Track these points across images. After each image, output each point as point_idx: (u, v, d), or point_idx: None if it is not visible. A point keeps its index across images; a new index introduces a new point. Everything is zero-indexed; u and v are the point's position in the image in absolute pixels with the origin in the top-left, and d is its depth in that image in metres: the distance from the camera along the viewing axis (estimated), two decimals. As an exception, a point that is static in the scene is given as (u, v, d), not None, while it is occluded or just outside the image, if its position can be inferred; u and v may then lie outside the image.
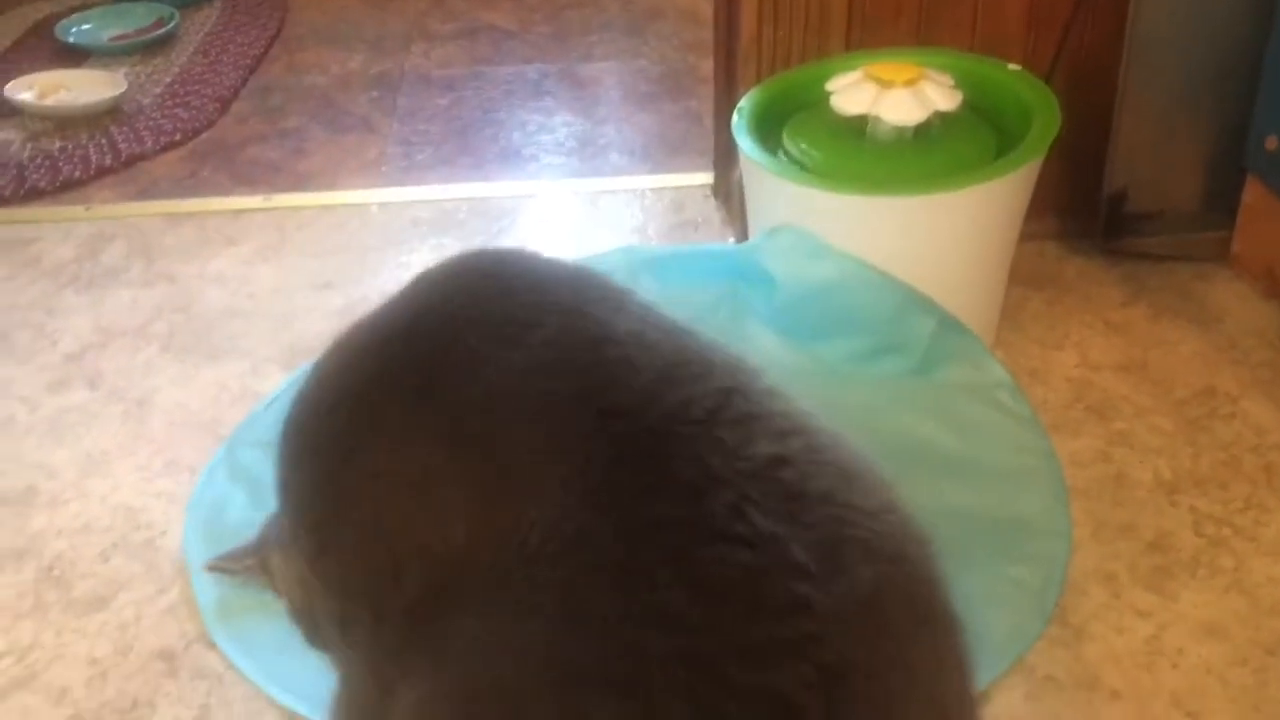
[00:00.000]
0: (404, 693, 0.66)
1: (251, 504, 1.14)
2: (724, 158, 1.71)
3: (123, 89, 2.07)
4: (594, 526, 0.62)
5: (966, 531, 1.07)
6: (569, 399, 0.66)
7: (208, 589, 1.10)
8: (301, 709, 1.00)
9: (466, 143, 1.97)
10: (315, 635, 0.77)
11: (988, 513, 1.12)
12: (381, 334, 0.75)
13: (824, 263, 1.26)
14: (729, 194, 1.70)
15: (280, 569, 0.78)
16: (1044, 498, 1.14)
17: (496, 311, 0.72)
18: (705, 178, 1.78)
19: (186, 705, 1.03)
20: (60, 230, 1.72)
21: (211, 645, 1.08)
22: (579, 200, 1.79)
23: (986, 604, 1.04)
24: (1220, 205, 1.48)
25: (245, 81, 2.18)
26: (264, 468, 1.13)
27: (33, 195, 1.82)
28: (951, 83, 1.31)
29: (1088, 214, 1.51)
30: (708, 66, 2.08)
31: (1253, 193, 1.43)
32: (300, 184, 1.85)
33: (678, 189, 1.79)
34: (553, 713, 0.59)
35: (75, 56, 2.24)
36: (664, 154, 1.92)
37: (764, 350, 1.26)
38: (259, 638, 1.04)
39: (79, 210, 1.78)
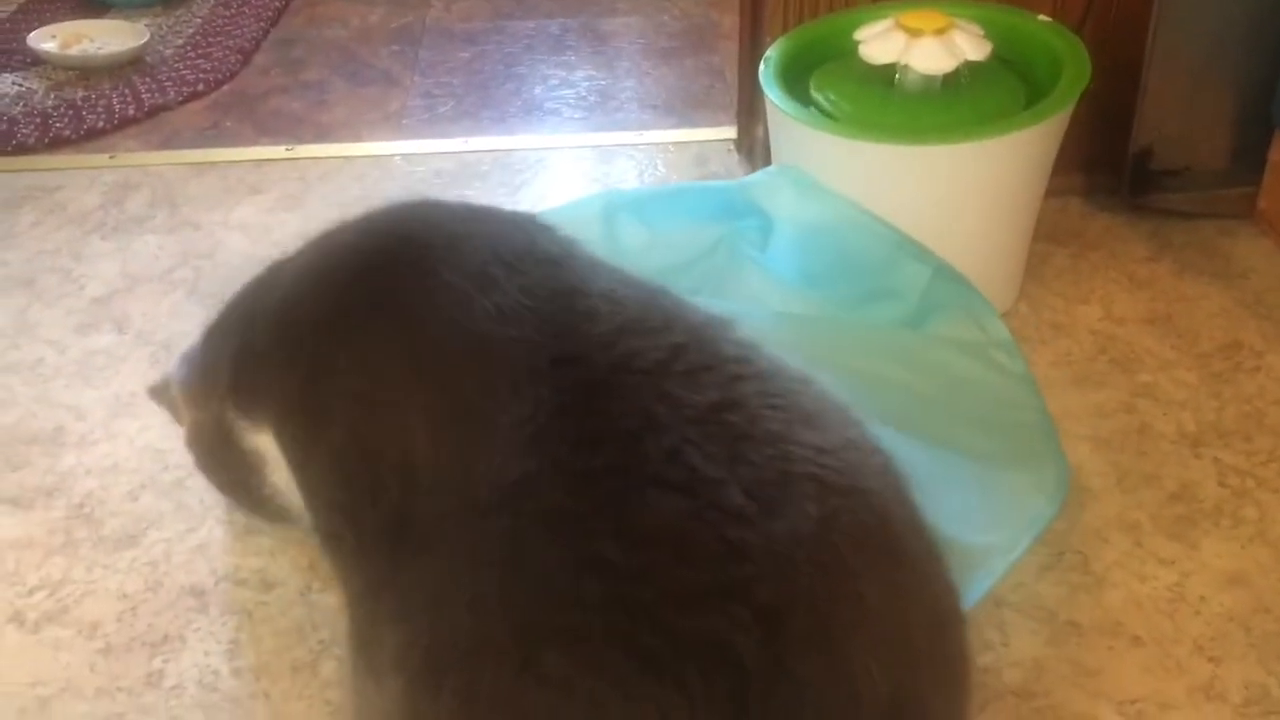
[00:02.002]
0: (388, 636, 0.67)
1: None
2: (747, 112, 1.70)
3: (145, 39, 2.07)
4: (535, 474, 0.63)
5: (954, 465, 1.08)
6: (529, 346, 0.67)
7: None
8: None
9: (488, 96, 1.97)
10: (214, 472, 0.85)
11: (977, 449, 1.11)
12: (365, 256, 0.76)
13: (819, 204, 1.26)
14: (752, 148, 1.69)
15: (182, 407, 0.89)
16: (1036, 444, 1.12)
17: (483, 250, 0.73)
18: (728, 132, 1.78)
19: (217, 640, 1.04)
20: (85, 178, 1.73)
21: (241, 582, 1.09)
22: (600, 154, 1.79)
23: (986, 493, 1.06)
24: (1247, 162, 1.48)
25: (266, 34, 2.18)
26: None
27: (57, 143, 1.82)
28: (981, 32, 1.30)
29: (1113, 170, 1.51)
30: (729, 22, 2.07)
31: (1279, 149, 1.42)
32: (322, 135, 1.85)
33: (700, 143, 1.79)
34: (509, 663, 0.60)
35: (97, 7, 2.24)
36: (686, 109, 1.91)
37: (758, 294, 1.26)
38: None
39: (103, 159, 1.78)
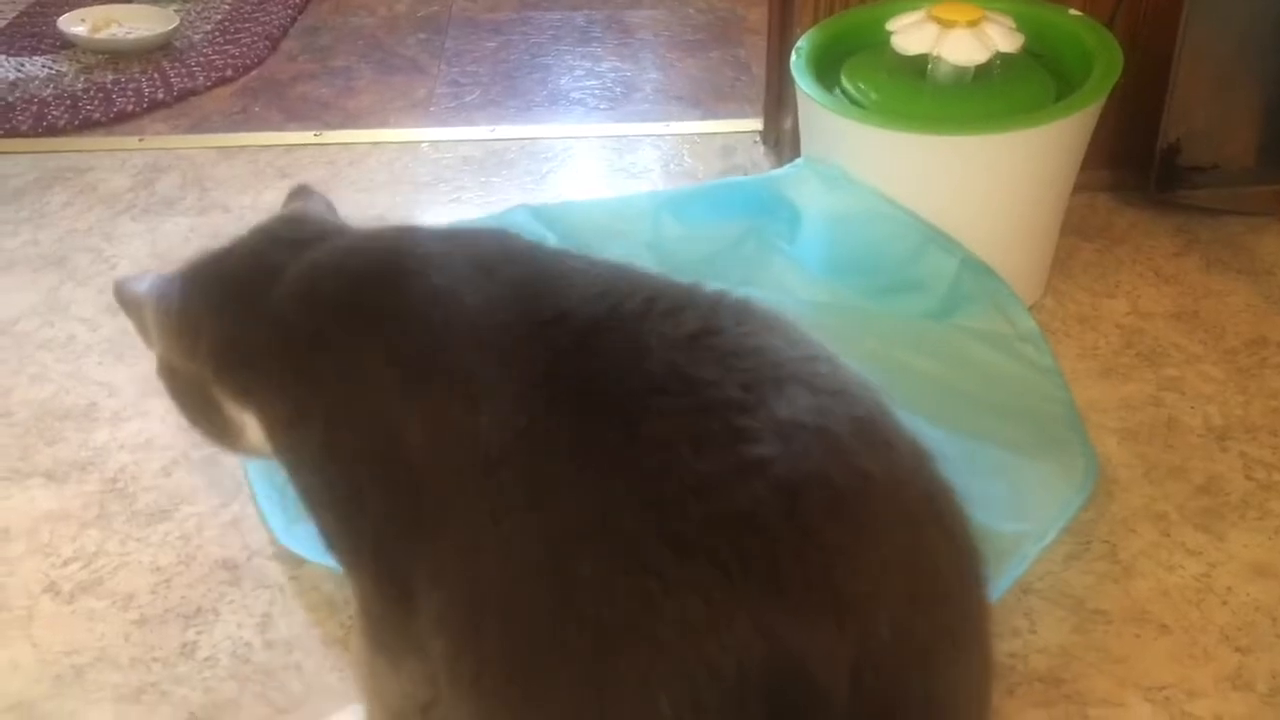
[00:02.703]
0: (422, 609, 0.70)
1: None
2: (775, 104, 1.71)
3: (174, 25, 2.08)
4: (542, 414, 0.66)
5: (983, 453, 1.09)
6: (517, 320, 0.71)
7: (272, 503, 1.13)
8: None
9: (514, 85, 1.98)
10: (185, 409, 0.89)
11: (1005, 438, 1.12)
12: (356, 272, 0.79)
13: (847, 195, 1.28)
14: (779, 140, 1.70)
15: (152, 335, 0.90)
16: (1063, 435, 1.14)
17: (463, 258, 0.77)
18: (754, 124, 1.78)
19: (249, 613, 1.05)
20: (115, 160, 1.74)
21: (274, 557, 1.10)
22: (626, 144, 1.80)
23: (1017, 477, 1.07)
24: (1274, 160, 1.48)
25: (294, 21, 2.19)
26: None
27: (87, 126, 1.83)
28: (1013, 25, 1.31)
29: (1140, 166, 1.51)
30: (755, 16, 2.08)
31: (1309, 146, 1.42)
32: (350, 121, 1.86)
33: (726, 135, 1.80)
34: (548, 590, 0.62)
35: (126, -8, 2.25)
36: (711, 101, 1.92)
37: (785, 283, 1.28)
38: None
39: (133, 141, 1.80)
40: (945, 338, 1.21)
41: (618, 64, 2.05)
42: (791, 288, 1.28)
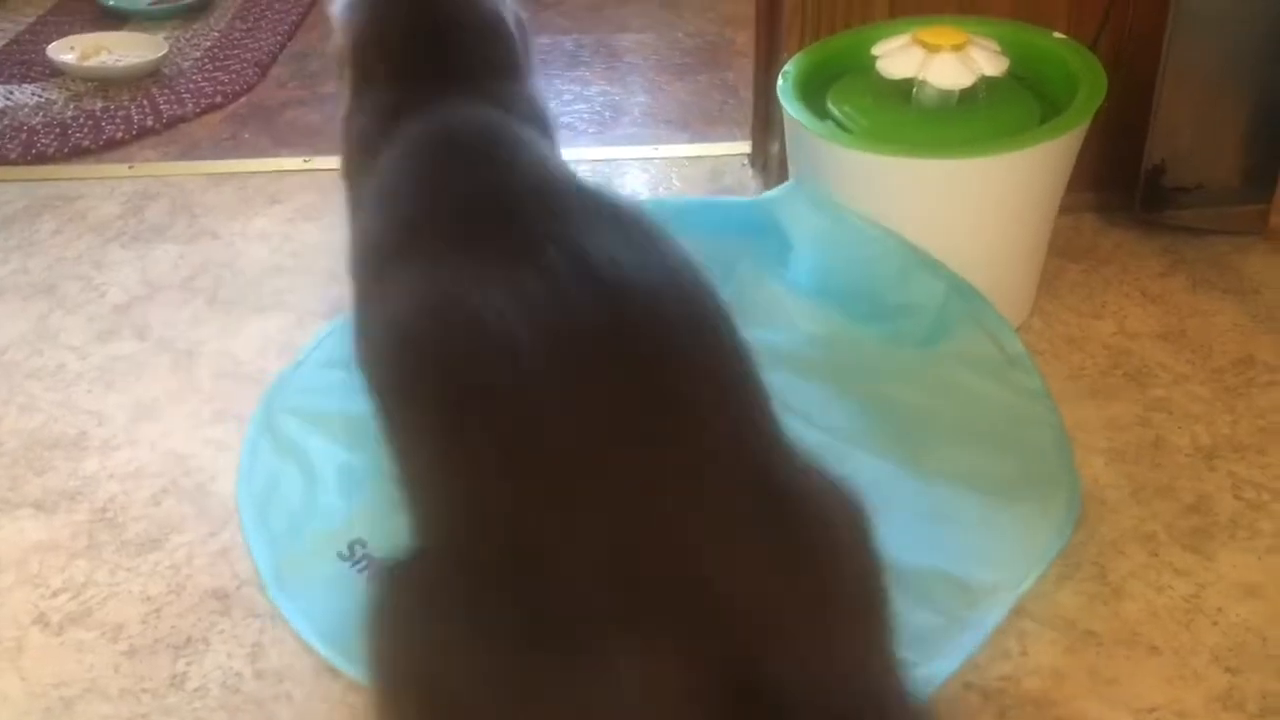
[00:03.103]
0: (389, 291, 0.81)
1: (305, 482, 1.17)
2: (762, 127, 1.72)
3: (163, 52, 2.09)
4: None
5: (961, 501, 1.11)
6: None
7: (264, 554, 1.12)
8: (345, 666, 1.01)
9: (504, 110, 1.98)
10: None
11: (988, 476, 1.13)
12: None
13: (834, 221, 1.28)
14: (766, 163, 1.71)
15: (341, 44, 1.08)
16: (1050, 465, 1.14)
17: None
18: (742, 147, 1.79)
19: (240, 643, 1.05)
20: (104, 187, 1.75)
21: (264, 586, 1.10)
22: (615, 168, 1.80)
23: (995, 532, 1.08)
24: (1259, 179, 1.49)
25: (283, 47, 2.20)
26: (308, 440, 1.17)
27: (76, 153, 1.84)
28: (998, 48, 1.31)
29: (1125, 187, 1.52)
30: (743, 39, 2.09)
31: (1293, 166, 1.43)
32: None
33: (715, 158, 1.80)
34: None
35: (116, 19, 2.27)
36: (700, 124, 1.93)
37: (781, 313, 1.29)
38: (312, 597, 1.07)
39: (122, 169, 1.80)
40: (933, 367, 1.22)
41: (606, 87, 2.06)
42: (786, 316, 1.30)
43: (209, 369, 1.37)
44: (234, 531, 1.16)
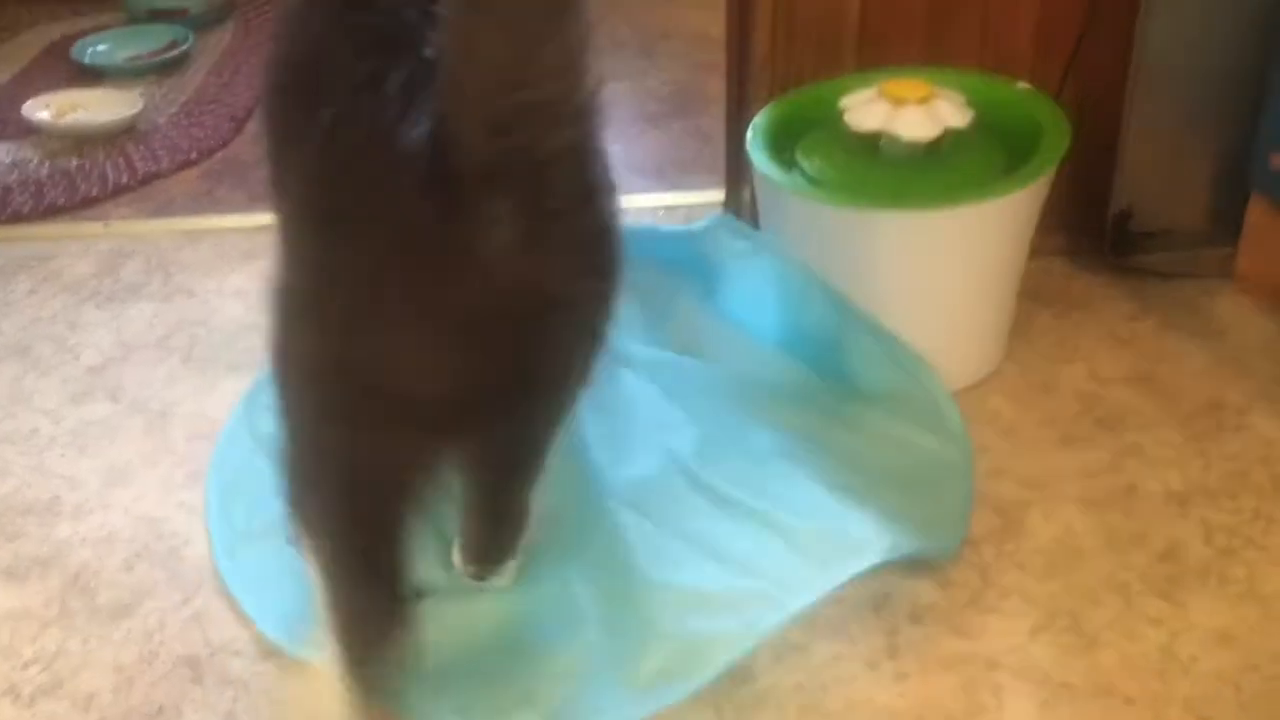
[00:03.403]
0: None
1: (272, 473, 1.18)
2: (735, 176, 1.73)
3: (139, 108, 2.09)
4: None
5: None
6: None
7: (220, 531, 1.19)
8: (285, 641, 1.08)
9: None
10: None
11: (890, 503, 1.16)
12: None
13: (760, 259, 1.34)
14: (740, 211, 1.72)
15: None
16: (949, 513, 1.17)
17: None
18: (716, 195, 1.80)
19: (212, 711, 1.04)
20: (79, 246, 1.75)
21: (237, 653, 1.09)
22: (591, 218, 1.81)
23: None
24: (1225, 223, 1.50)
25: (258, 101, 2.20)
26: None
27: (51, 212, 1.84)
28: (963, 100, 1.33)
29: (1095, 232, 1.53)
30: (717, 86, 2.10)
31: (1257, 210, 1.45)
32: (315, 201, 1.87)
33: (690, 206, 1.81)
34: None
35: (91, 77, 2.27)
36: (676, 172, 1.94)
37: (725, 351, 1.35)
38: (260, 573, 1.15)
39: (97, 227, 1.80)
40: (864, 413, 1.25)
41: (581, 137, 2.07)
42: (729, 354, 1.34)
43: (182, 430, 1.37)
44: (207, 596, 1.15)
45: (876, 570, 1.07)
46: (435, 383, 0.84)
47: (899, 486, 1.18)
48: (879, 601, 1.11)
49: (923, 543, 1.10)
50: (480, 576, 1.09)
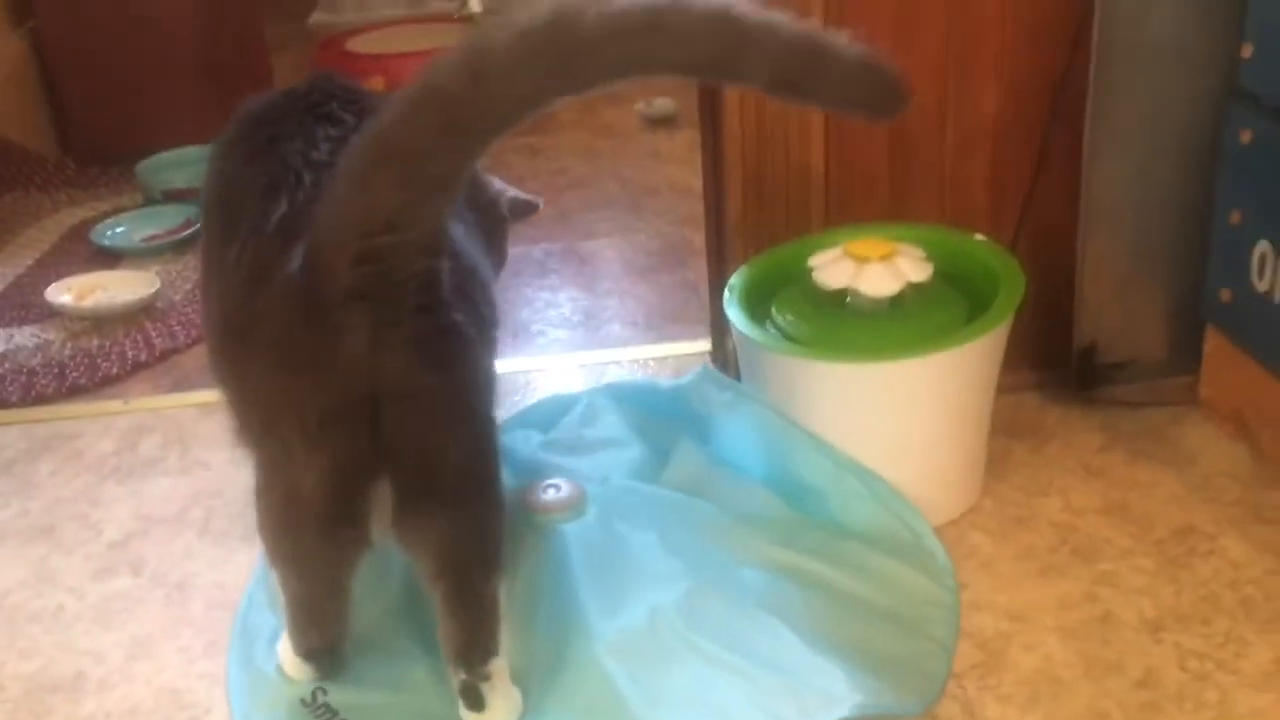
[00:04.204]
0: None
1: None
2: (719, 326, 1.82)
3: (156, 287, 2.20)
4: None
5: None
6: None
7: (240, 695, 1.24)
8: None
9: (478, 322, 2.09)
10: None
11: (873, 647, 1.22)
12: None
13: (743, 409, 1.44)
14: (725, 361, 1.80)
15: None
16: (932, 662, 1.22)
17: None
18: (704, 345, 1.89)
19: None
20: (100, 424, 1.84)
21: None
22: (587, 372, 1.90)
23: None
24: (1187, 352, 1.58)
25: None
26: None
27: (74, 392, 1.93)
28: (923, 255, 1.42)
29: (1063, 366, 1.61)
30: (700, 239, 2.21)
31: (1213, 342, 1.53)
32: (324, 369, 1.96)
33: (679, 357, 1.90)
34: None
35: (110, 258, 2.39)
36: (664, 323, 2.03)
37: (711, 482, 1.43)
38: None
39: (118, 404, 1.89)
40: (849, 548, 1.32)
41: (575, 293, 2.17)
42: (725, 494, 1.41)
43: (202, 601, 1.43)
44: (226, 765, 1.20)
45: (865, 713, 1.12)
46: (314, 473, 1.03)
47: (885, 623, 1.24)
48: (868, 741, 1.15)
49: (895, 700, 1.15)
50: (471, 685, 1.12)
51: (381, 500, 1.05)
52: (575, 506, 1.36)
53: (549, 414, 1.63)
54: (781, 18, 0.90)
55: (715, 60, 0.91)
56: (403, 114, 0.91)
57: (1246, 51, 1.37)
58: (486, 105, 0.89)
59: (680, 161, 2.64)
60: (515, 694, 1.15)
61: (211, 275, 1.14)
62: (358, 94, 1.18)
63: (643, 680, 1.16)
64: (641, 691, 1.15)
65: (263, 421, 1.06)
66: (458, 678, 1.13)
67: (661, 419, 1.55)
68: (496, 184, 1.49)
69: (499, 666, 1.13)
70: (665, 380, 1.65)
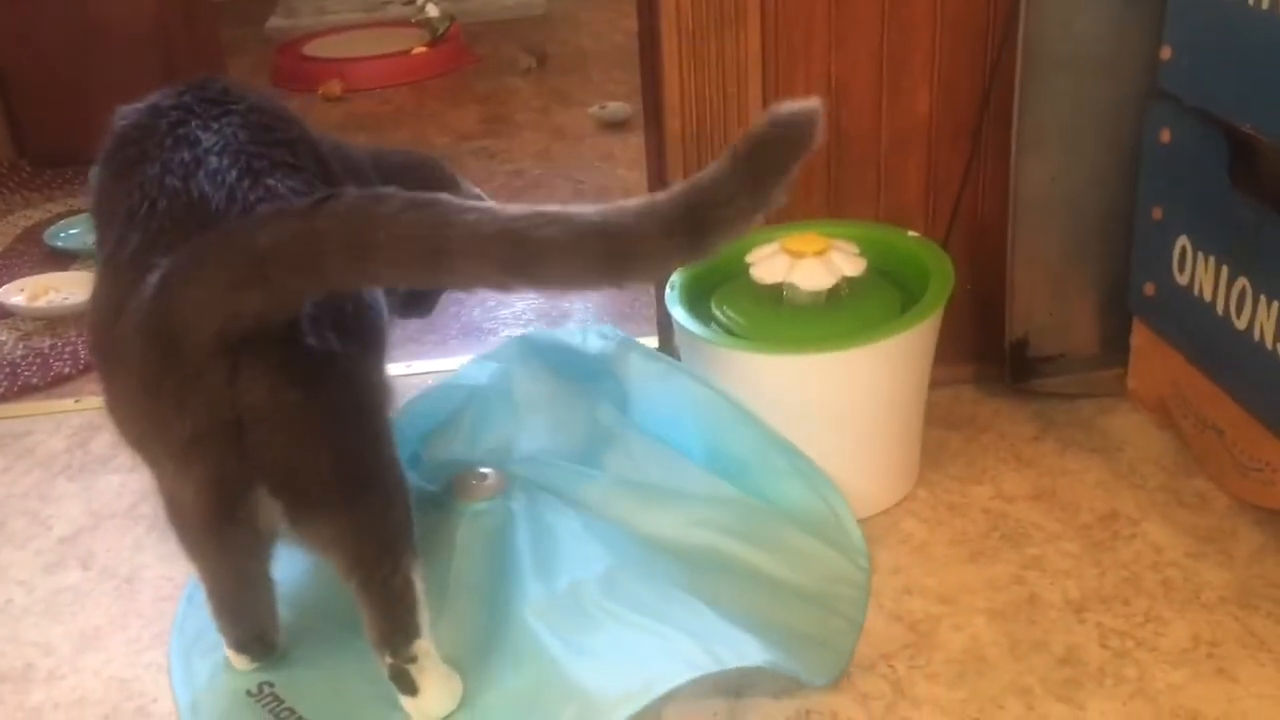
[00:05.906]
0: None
1: None
2: (666, 323, 1.85)
3: (108, 288, 2.21)
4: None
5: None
6: None
7: (183, 689, 1.26)
8: None
9: (430, 321, 2.11)
10: None
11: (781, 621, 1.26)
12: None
13: (672, 380, 1.46)
14: (672, 355, 1.84)
15: None
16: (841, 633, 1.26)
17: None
18: (652, 341, 1.92)
19: None
20: (52, 422, 1.85)
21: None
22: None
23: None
24: (1116, 344, 1.63)
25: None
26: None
27: (26, 391, 1.94)
28: (857, 250, 1.46)
29: (997, 359, 1.66)
30: (652, 239, 2.25)
31: (1140, 334, 1.58)
32: (276, 367, 1.98)
33: (627, 354, 1.93)
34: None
35: (63, 259, 2.40)
36: (615, 320, 2.06)
37: (648, 465, 1.44)
38: None
39: (69, 403, 1.90)
40: (769, 526, 1.36)
41: (526, 293, 2.20)
42: (649, 470, 1.44)
43: (150, 593, 1.45)
44: (173, 751, 1.22)
45: (801, 687, 1.16)
46: (189, 485, 1.07)
47: (798, 600, 1.28)
48: (800, 717, 1.19)
49: (802, 669, 1.20)
50: (399, 668, 1.14)
51: (269, 505, 1.06)
52: (501, 493, 1.39)
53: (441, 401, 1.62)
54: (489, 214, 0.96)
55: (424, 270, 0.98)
56: (279, 242, 0.97)
57: (1166, 54, 1.42)
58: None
59: (632, 164, 2.68)
60: (452, 676, 1.17)
61: (94, 283, 1.14)
62: (224, 105, 1.18)
63: (564, 635, 1.20)
64: (563, 643, 1.19)
65: (133, 438, 1.10)
66: (384, 664, 1.15)
67: (572, 379, 1.56)
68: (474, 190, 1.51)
69: (423, 648, 1.14)
70: (573, 336, 1.64)
